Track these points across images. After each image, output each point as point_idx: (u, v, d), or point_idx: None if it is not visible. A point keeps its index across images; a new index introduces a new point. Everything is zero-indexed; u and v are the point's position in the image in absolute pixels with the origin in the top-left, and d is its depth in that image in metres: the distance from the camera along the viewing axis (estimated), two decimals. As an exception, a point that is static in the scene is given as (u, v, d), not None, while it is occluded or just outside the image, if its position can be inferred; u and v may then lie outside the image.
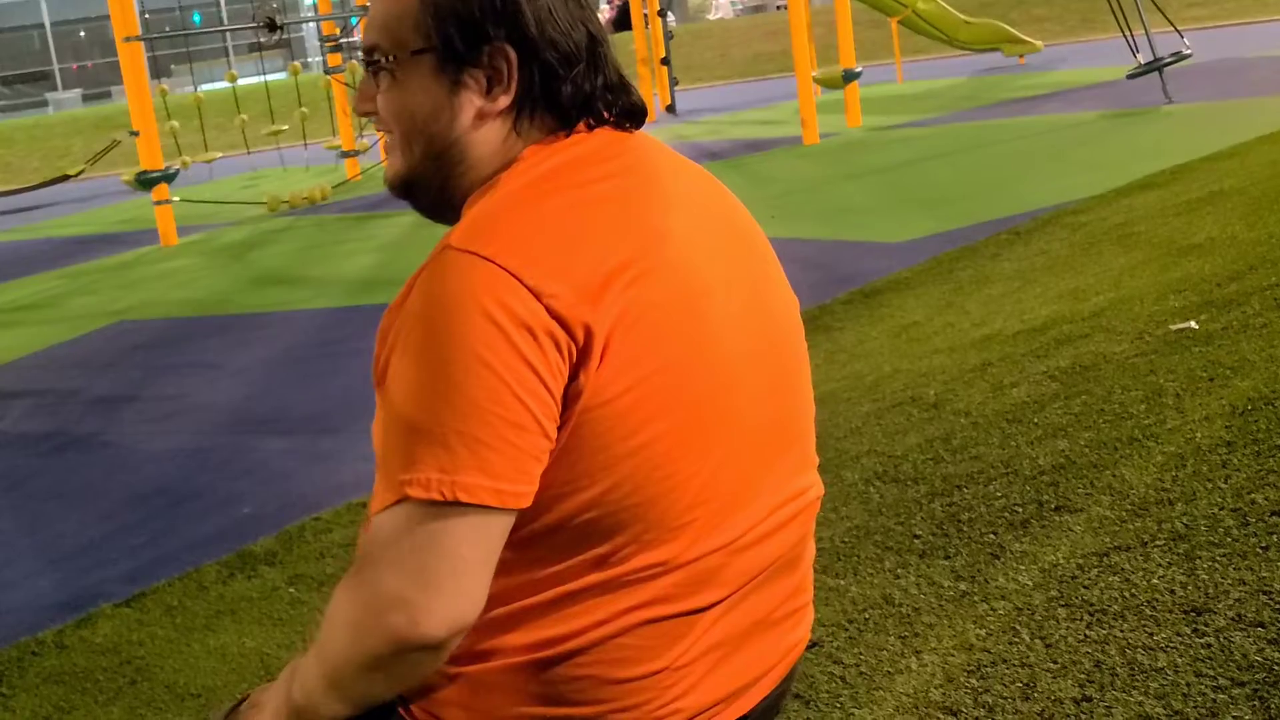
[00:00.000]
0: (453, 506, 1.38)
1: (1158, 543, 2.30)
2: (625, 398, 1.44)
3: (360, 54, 1.67)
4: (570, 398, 1.42)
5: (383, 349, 1.48)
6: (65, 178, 18.28)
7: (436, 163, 1.63)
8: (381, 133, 1.70)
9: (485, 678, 1.54)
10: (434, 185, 1.65)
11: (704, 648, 1.59)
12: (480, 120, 1.60)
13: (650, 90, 19.48)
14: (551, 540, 1.48)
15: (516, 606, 1.50)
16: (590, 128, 1.63)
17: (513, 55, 1.58)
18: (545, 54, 1.59)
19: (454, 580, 1.39)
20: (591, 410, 1.43)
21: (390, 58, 1.61)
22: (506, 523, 1.42)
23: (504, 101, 1.60)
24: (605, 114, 1.64)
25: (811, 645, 1.79)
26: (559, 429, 1.43)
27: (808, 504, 1.73)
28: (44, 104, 42.20)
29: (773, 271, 1.76)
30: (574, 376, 1.42)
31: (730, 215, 1.73)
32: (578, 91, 1.61)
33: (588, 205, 1.52)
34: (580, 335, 1.41)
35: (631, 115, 1.67)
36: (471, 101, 1.60)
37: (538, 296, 1.41)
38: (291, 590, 3.77)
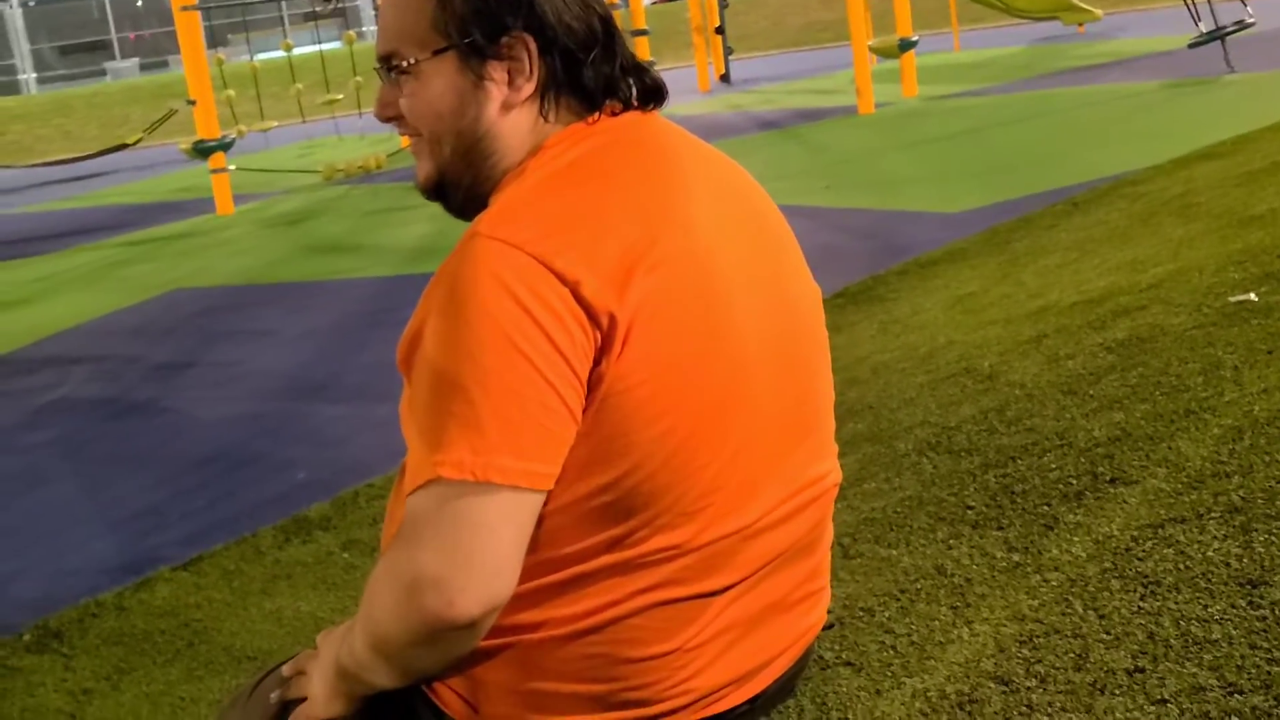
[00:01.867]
0: (485, 487, 1.40)
1: (1213, 515, 2.28)
2: (644, 386, 1.47)
3: (377, 63, 1.67)
4: (593, 383, 1.45)
5: (411, 332, 1.50)
6: (123, 146, 18.44)
7: (467, 158, 1.65)
8: (405, 137, 1.71)
9: (497, 653, 1.57)
10: (465, 181, 1.67)
11: (717, 630, 1.61)
12: (506, 111, 1.63)
13: (705, 59, 19.39)
14: (569, 521, 1.51)
15: (532, 585, 1.53)
16: (614, 112, 1.64)
17: (532, 44, 1.60)
18: (563, 40, 1.61)
19: (488, 560, 1.41)
20: (611, 397, 1.45)
21: (411, 61, 1.62)
22: (537, 503, 1.45)
23: (528, 90, 1.62)
24: (628, 95, 1.64)
25: (828, 627, 1.79)
26: (583, 413, 1.45)
27: (824, 491, 1.74)
28: (102, 73, 42.55)
29: (793, 258, 1.76)
30: (597, 363, 1.45)
31: (752, 202, 1.73)
32: (598, 74, 1.62)
33: (612, 193, 1.54)
34: (605, 322, 1.44)
35: (653, 95, 1.67)
36: (496, 93, 1.62)
37: (565, 283, 1.43)
38: (345, 555, 3.80)
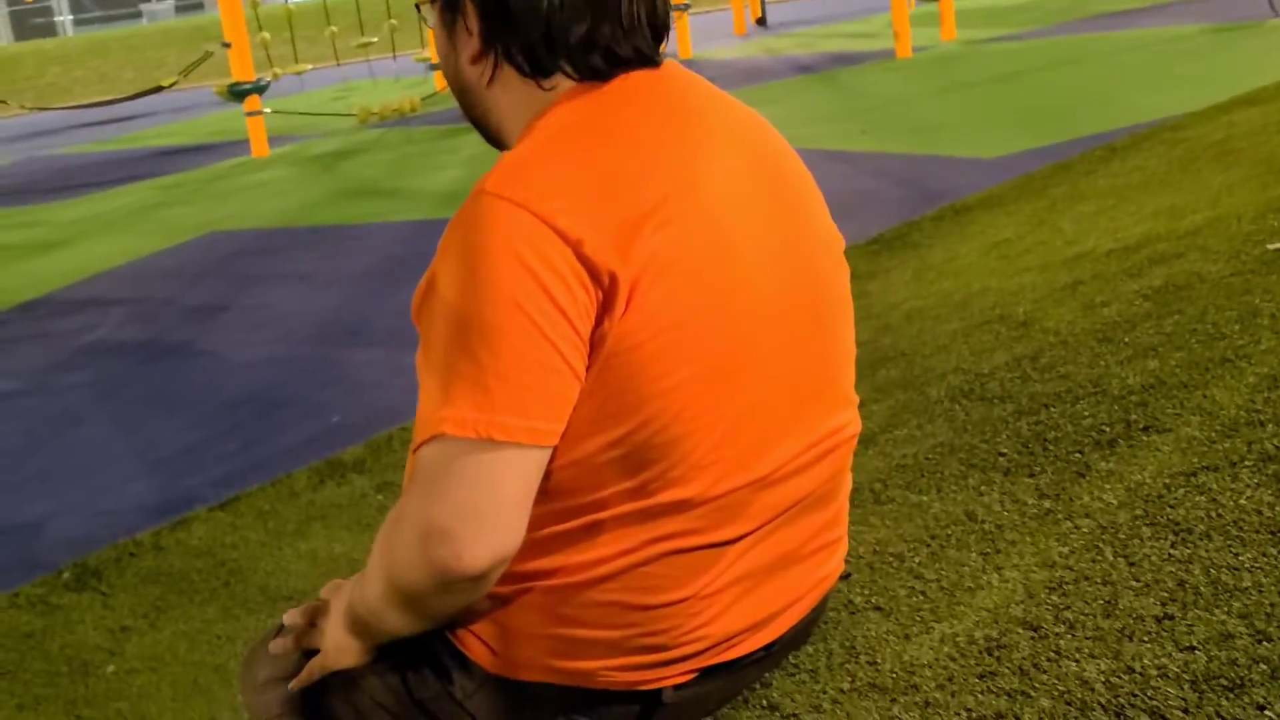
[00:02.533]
0: (488, 444, 1.42)
1: (1247, 464, 2.27)
2: (651, 344, 1.47)
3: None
4: (596, 341, 1.46)
5: (423, 286, 1.52)
6: (159, 89, 18.46)
7: (462, 100, 1.71)
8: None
9: (517, 599, 1.59)
10: (479, 123, 1.72)
11: (730, 578, 1.62)
12: (472, 64, 1.65)
13: (741, 3, 19.24)
14: (582, 473, 1.52)
15: (548, 533, 1.55)
16: (611, 74, 1.62)
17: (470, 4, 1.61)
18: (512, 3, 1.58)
19: (495, 514, 1.43)
20: (618, 355, 1.46)
21: (418, 5, 1.68)
22: (542, 458, 1.47)
23: (474, 45, 1.63)
24: (630, 53, 1.61)
25: (845, 576, 1.79)
26: (586, 372, 1.46)
27: (842, 441, 1.74)
28: (138, 15, 42.56)
29: (814, 210, 1.74)
30: (600, 321, 1.45)
31: (772, 156, 1.71)
32: (577, 37, 1.58)
33: (621, 150, 1.54)
34: (606, 281, 1.44)
35: (641, 59, 1.62)
36: (464, 45, 1.65)
37: (567, 241, 1.44)
38: (379, 497, 3.84)
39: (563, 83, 1.62)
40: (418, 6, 1.71)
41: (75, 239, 9.23)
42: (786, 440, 1.63)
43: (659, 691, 1.67)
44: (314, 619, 1.75)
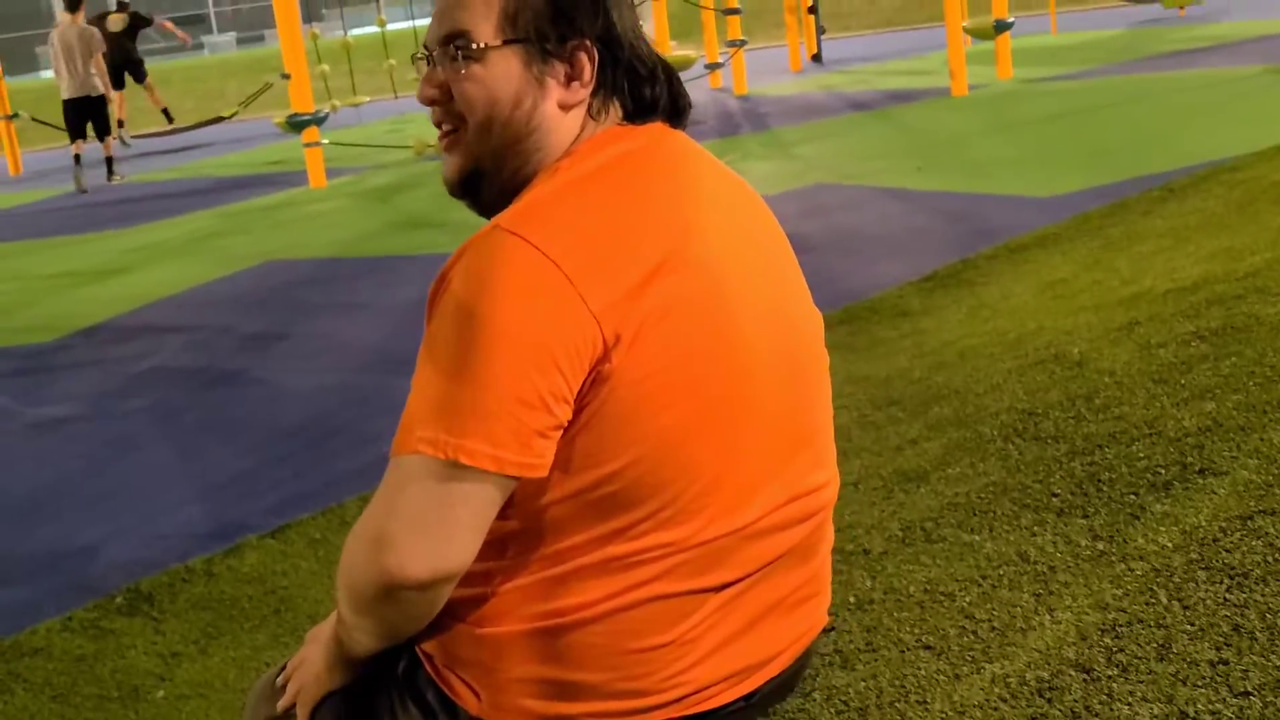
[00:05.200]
0: (454, 466, 1.49)
1: (1305, 508, 2.24)
2: (649, 381, 1.53)
3: (430, 43, 1.70)
4: (596, 379, 1.51)
5: (435, 285, 1.57)
6: (219, 119, 18.70)
7: (512, 149, 1.71)
8: (441, 126, 1.74)
9: (504, 640, 1.65)
10: (506, 173, 1.73)
11: (713, 625, 1.66)
12: (559, 110, 1.68)
13: (797, 39, 19.28)
14: (573, 510, 1.58)
15: (539, 577, 1.61)
16: (643, 122, 1.72)
17: (595, 52, 1.66)
18: (625, 54, 1.70)
19: (443, 532, 1.52)
20: (615, 391, 1.52)
21: (481, 45, 1.65)
22: (504, 487, 1.53)
23: (582, 94, 1.70)
24: (666, 109, 1.73)
25: (828, 629, 1.81)
26: (583, 407, 1.52)
27: (823, 502, 1.80)
28: (200, 46, 43.14)
29: (795, 282, 1.83)
30: (600, 363, 1.51)
31: (762, 225, 1.82)
32: (652, 93, 1.72)
33: (633, 202, 1.60)
34: (610, 331, 1.50)
35: (682, 113, 1.76)
36: (554, 92, 1.68)
37: (574, 286, 1.49)
38: (430, 527, 3.85)
39: (612, 116, 1.69)
40: (459, 49, 1.66)
41: (135, 266, 9.34)
42: (771, 489, 1.68)
43: None
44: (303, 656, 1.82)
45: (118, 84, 17.65)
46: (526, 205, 1.58)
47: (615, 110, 1.71)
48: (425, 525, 1.51)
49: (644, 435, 1.54)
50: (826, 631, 1.82)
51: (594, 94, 1.69)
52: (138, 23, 18.25)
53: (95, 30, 15.11)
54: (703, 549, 1.61)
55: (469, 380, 1.47)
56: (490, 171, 1.71)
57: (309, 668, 1.77)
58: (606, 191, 1.59)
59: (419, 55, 1.73)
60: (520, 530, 1.59)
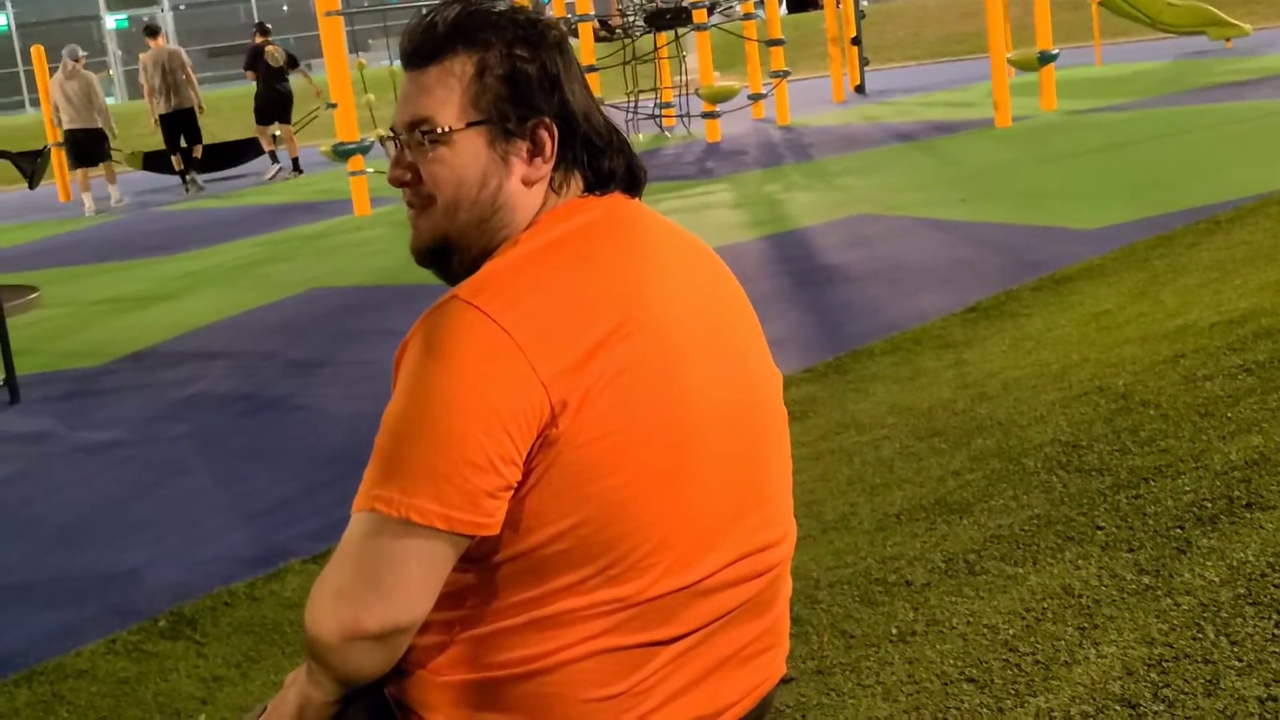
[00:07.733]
0: (406, 524, 1.57)
1: (1355, 544, 2.22)
2: (596, 445, 1.59)
3: (398, 127, 1.76)
4: (546, 442, 1.58)
5: (401, 349, 1.67)
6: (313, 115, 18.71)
7: (480, 227, 1.78)
8: (412, 203, 1.79)
9: (466, 687, 1.70)
10: (475, 247, 1.80)
11: (666, 677, 1.72)
12: (523, 186, 1.76)
13: (840, 70, 19.30)
14: (528, 565, 1.64)
15: (496, 627, 1.67)
16: (603, 193, 1.78)
17: (555, 129, 1.74)
18: (581, 128, 1.76)
19: (397, 587, 1.59)
20: (565, 453, 1.58)
21: (445, 129, 1.69)
22: (456, 545, 1.60)
23: (544, 170, 1.77)
24: (623, 180, 1.79)
25: (786, 680, 1.83)
26: (532, 469, 1.58)
27: (777, 559, 1.85)
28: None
29: (755, 341, 1.90)
30: (548, 426, 1.57)
31: (719, 289, 1.85)
32: (610, 164, 1.78)
33: (587, 272, 1.67)
34: (557, 397, 1.57)
35: (638, 181, 1.82)
36: (517, 169, 1.73)
37: (525, 356, 1.56)
38: (471, 554, 3.85)
39: (572, 189, 1.77)
40: (426, 133, 1.73)
41: (180, 293, 9.43)
42: (720, 547, 1.72)
43: None
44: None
45: (263, 119, 17.90)
46: (484, 276, 1.66)
47: (576, 182, 1.77)
48: (379, 580, 1.58)
49: (592, 496, 1.59)
50: (784, 682, 1.84)
51: (555, 168, 1.75)
52: (293, 63, 18.35)
53: (181, 50, 16.77)
54: (652, 604, 1.65)
55: (421, 442, 1.56)
56: (459, 246, 1.79)
57: (284, 709, 1.80)
58: (562, 262, 1.66)
59: (387, 138, 1.80)
60: (477, 583, 1.65)
